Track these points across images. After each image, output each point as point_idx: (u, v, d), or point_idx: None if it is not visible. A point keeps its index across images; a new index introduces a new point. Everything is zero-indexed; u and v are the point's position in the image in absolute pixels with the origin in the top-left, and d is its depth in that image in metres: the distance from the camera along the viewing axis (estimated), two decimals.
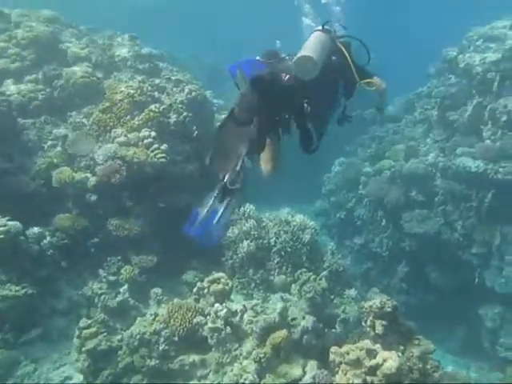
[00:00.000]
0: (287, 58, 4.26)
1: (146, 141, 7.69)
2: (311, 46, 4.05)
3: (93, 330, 6.08)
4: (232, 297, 6.57)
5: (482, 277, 10.45)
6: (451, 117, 11.58)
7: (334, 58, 4.25)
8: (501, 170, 9.95)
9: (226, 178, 3.94)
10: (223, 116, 11.48)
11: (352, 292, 7.55)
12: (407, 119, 13.41)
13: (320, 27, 4.29)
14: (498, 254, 10.23)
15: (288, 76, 4.06)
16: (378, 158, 12.72)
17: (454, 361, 10.39)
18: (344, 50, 4.29)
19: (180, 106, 8.41)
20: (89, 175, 7.38)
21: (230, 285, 6.33)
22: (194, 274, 7.63)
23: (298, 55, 3.98)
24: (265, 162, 4.50)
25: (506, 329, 10.10)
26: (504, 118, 10.27)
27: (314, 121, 4.16)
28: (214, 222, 4.05)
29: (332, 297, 7.22)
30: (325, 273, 7.11)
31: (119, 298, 6.83)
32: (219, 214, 4.04)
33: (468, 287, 10.62)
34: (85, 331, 6.05)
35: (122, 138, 7.65)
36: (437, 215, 10.91)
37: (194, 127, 8.44)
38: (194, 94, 8.63)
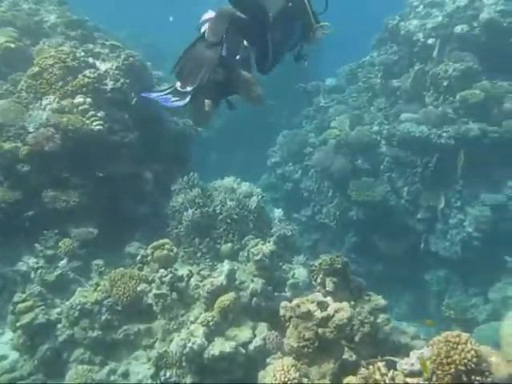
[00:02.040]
0: None
1: (80, 107, 7.25)
2: None
3: (28, 303, 5.69)
4: (177, 266, 6.31)
5: (427, 242, 10.57)
6: (394, 84, 11.63)
7: None
8: (444, 134, 10.03)
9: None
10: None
11: (301, 258, 7.42)
12: (351, 89, 13.39)
13: None
14: (442, 218, 10.37)
15: None
16: (323, 128, 12.66)
17: None
18: None
19: (117, 72, 7.99)
20: (19, 145, 6.88)
21: (174, 251, 6.08)
22: (137, 245, 7.27)
23: None
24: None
25: (450, 290, 10.28)
26: (445, 83, 10.36)
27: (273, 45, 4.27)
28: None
29: (281, 263, 7.05)
30: (273, 237, 6.94)
31: (57, 271, 6.44)
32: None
33: (415, 253, 10.73)
34: (19, 305, 5.65)
35: (55, 105, 7.17)
36: (383, 182, 10.94)
37: (133, 94, 8.05)
38: (131, 59, 8.20)
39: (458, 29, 10.59)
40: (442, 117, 10.24)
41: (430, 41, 11.02)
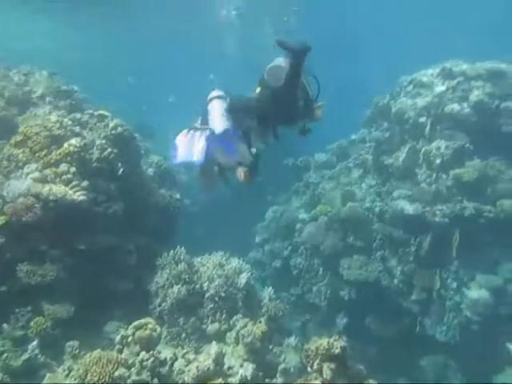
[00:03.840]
0: None
1: (64, 177, 6.94)
2: (280, 60, 4.76)
3: None
4: (161, 348, 5.80)
5: (423, 324, 10.10)
6: (386, 161, 11.56)
7: None
8: (437, 212, 9.82)
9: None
10: (150, 160, 11.07)
11: (292, 340, 6.93)
12: (342, 165, 13.30)
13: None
14: (438, 299, 9.94)
15: None
16: (313, 204, 12.43)
17: None
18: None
19: (104, 141, 7.76)
20: None
21: (158, 331, 5.58)
22: (116, 324, 6.74)
23: (269, 66, 4.73)
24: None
25: (448, 377, 9.70)
26: (438, 161, 10.28)
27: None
28: None
29: (271, 346, 6.55)
30: (264, 317, 6.48)
31: (26, 355, 5.81)
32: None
33: (410, 336, 10.21)
34: None
35: (37, 174, 6.86)
36: (375, 261, 10.60)
37: (120, 165, 7.78)
38: (119, 129, 8.00)
39: (449, 108, 10.65)
40: (436, 195, 10.08)
41: (421, 119, 11.08)
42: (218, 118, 4.74)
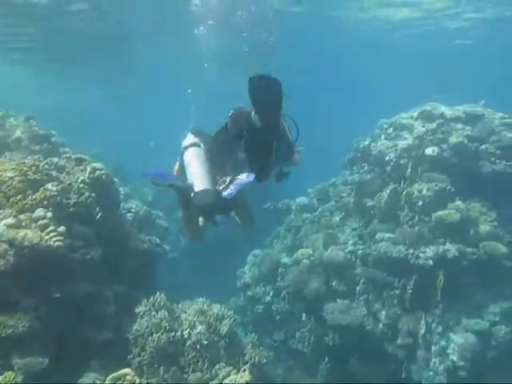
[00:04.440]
0: None
1: (40, 222, 6.71)
2: None
3: None
4: None
5: (408, 370, 9.86)
6: (368, 203, 11.54)
7: None
8: (421, 254, 9.74)
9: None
10: (129, 204, 10.90)
11: None
12: (323, 208, 13.24)
13: None
14: (424, 344, 9.74)
15: None
16: (295, 248, 12.30)
17: None
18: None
19: (82, 185, 7.59)
20: None
21: (137, 382, 5.31)
22: (93, 376, 6.43)
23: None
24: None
25: None
26: (420, 203, 10.28)
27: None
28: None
29: None
30: (247, 366, 6.26)
31: None
32: None
33: (396, 382, 9.95)
34: None
35: (11, 220, 6.62)
36: (359, 305, 10.42)
37: (98, 209, 7.60)
38: (98, 173, 7.85)
39: (429, 150, 10.73)
40: (419, 237, 10.03)
41: (402, 161, 11.14)
42: (198, 176, 4.81)
